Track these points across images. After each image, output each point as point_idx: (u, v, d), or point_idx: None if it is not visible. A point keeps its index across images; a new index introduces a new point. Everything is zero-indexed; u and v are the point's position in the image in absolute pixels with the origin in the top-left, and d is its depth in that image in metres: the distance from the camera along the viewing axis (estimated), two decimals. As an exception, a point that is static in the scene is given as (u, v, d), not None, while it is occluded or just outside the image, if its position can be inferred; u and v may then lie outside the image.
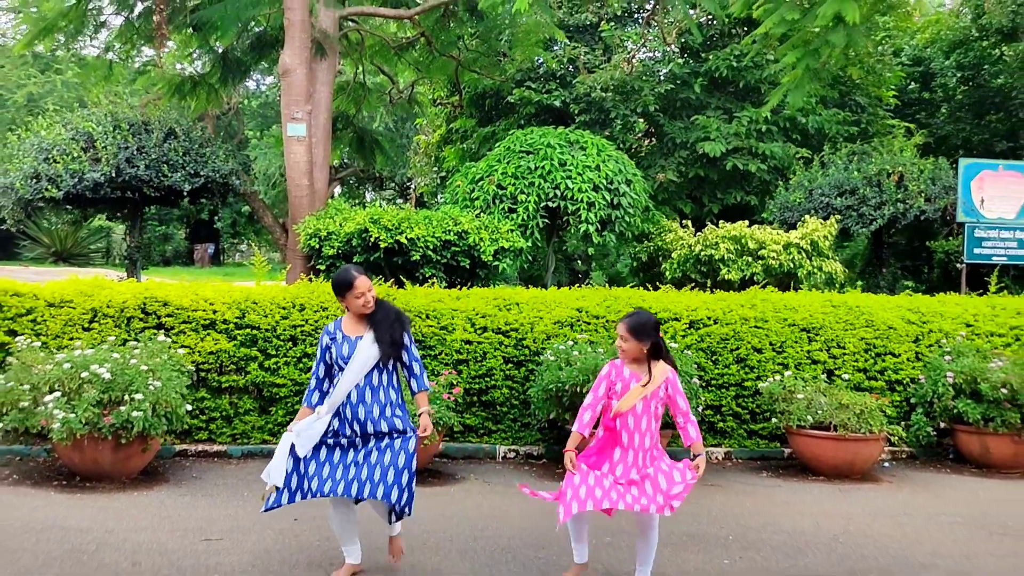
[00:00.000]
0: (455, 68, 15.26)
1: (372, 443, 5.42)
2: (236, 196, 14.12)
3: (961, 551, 6.47)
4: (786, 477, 8.78)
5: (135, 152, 11.65)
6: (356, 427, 5.39)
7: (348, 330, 5.54)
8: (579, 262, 17.86)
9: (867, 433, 8.50)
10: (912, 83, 22.48)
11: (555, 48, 18.53)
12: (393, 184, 41.24)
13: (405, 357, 5.54)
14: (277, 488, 5.37)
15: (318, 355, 5.61)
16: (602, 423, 5.42)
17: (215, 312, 8.78)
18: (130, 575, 5.46)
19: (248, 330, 8.82)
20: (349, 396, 5.39)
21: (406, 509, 5.36)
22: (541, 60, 18.66)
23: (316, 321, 8.89)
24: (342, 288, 5.48)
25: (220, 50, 13.78)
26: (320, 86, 12.08)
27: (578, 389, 7.98)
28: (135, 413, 7.26)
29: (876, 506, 7.74)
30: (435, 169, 21.52)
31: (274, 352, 8.86)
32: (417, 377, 5.55)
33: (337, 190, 42.82)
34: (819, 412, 8.63)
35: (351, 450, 5.43)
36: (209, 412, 8.84)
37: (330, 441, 5.44)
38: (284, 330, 8.86)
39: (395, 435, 5.42)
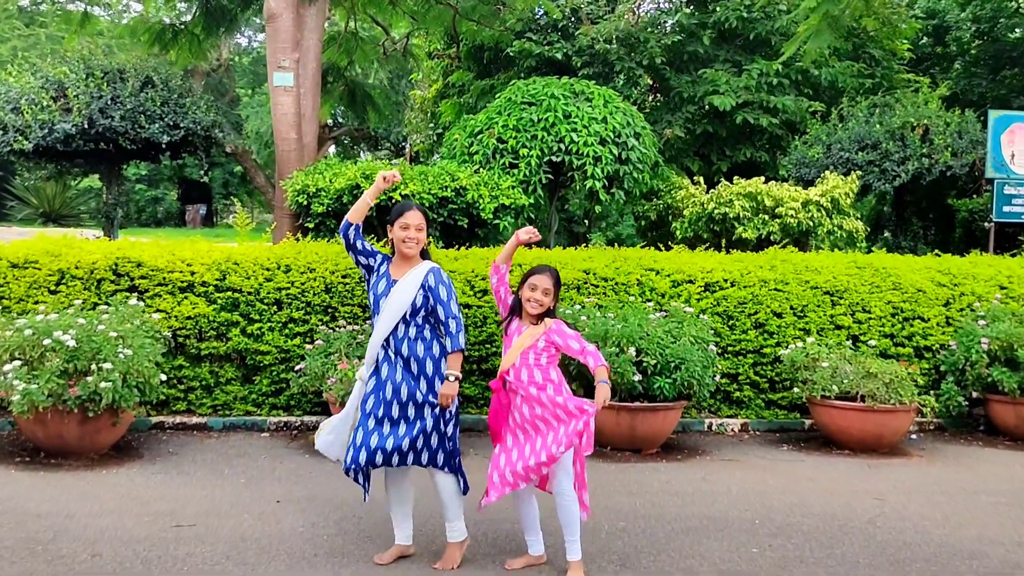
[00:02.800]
0: (452, 17, 14.47)
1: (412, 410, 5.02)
2: (227, 155, 13.44)
3: (1011, 537, 5.86)
4: (809, 451, 8.18)
5: (109, 102, 10.87)
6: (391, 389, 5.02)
7: (393, 270, 5.13)
8: (585, 222, 17.13)
9: (897, 404, 7.90)
10: (924, 37, 21.66)
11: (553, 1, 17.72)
12: (388, 143, 40.42)
13: (441, 312, 5.02)
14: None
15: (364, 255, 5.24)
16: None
17: (193, 274, 8.12)
18: (88, 570, 4.84)
19: (229, 293, 8.17)
20: (386, 347, 5.05)
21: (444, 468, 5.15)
22: (542, 11, 17.87)
23: (303, 284, 8.24)
24: (392, 217, 5.12)
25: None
26: (308, 33, 11.32)
27: (586, 357, 7.41)
28: (103, 384, 6.65)
29: (909, 483, 7.14)
30: (431, 125, 20.73)
31: (257, 317, 8.21)
32: (452, 336, 4.99)
33: (332, 149, 42.02)
34: (844, 381, 8.01)
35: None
36: (188, 381, 8.22)
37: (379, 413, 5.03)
38: (268, 293, 8.20)
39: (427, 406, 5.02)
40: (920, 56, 20.99)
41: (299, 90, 11.02)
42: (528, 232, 5.33)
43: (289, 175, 10.67)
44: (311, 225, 10.32)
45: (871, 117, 13.45)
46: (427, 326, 5.05)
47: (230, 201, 50.93)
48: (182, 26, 13.11)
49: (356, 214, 5.20)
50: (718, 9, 16.60)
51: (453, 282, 8.30)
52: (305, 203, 10.25)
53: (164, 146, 11.28)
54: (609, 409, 7.61)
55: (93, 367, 6.76)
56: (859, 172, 12.05)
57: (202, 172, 39.50)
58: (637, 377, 7.57)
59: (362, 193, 9.87)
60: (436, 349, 5.03)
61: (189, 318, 8.08)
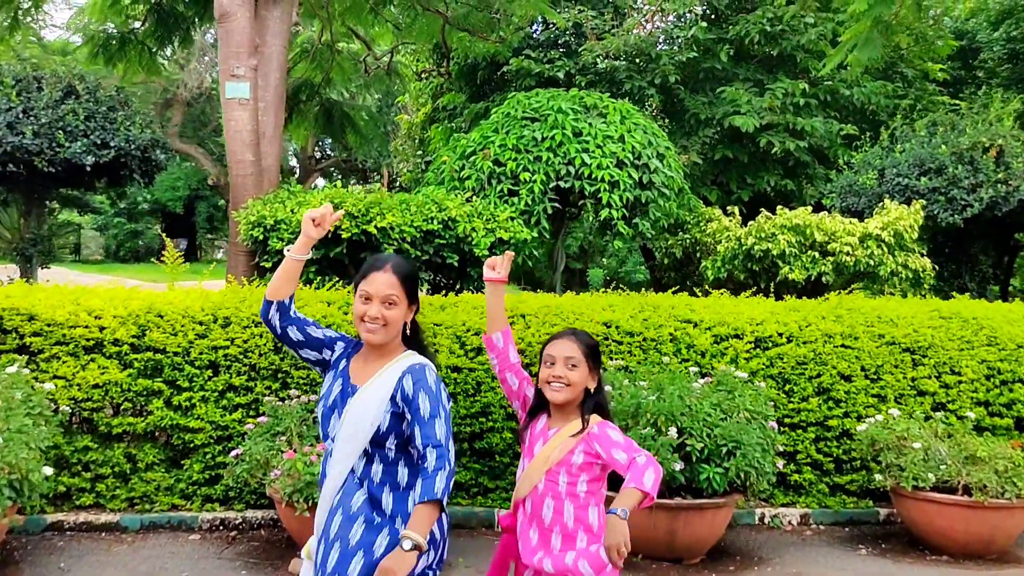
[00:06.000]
0: (442, 27, 12.74)
1: None
2: (211, 188, 11.64)
3: None
4: (895, 555, 6.36)
5: (20, 115, 9.05)
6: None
7: (356, 368, 3.25)
8: (602, 257, 15.35)
9: (1014, 498, 6.08)
10: (949, 60, 20.07)
11: (558, 13, 16.08)
12: (377, 176, 38.82)
13: (417, 436, 3.05)
14: None
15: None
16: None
17: (103, 329, 6.30)
18: None
19: (150, 354, 6.33)
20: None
21: None
22: (539, 28, 16.27)
23: (245, 341, 6.42)
24: (355, 280, 3.29)
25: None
26: (271, 38, 9.59)
27: (612, 439, 5.66)
28: (-45, 486, 4.84)
29: (1048, 614, 5.33)
30: (419, 152, 18.96)
31: (186, 384, 6.38)
32: (426, 476, 2.95)
33: (320, 183, 40.42)
34: (942, 468, 6.21)
35: None
36: (96, 468, 6.37)
37: None
38: (201, 353, 6.38)
39: None
40: (944, 81, 19.40)
41: (258, 104, 9.26)
42: (500, 259, 3.60)
43: (244, 204, 8.90)
44: (268, 264, 8.53)
45: (933, 137, 11.63)
46: (403, 462, 3.17)
47: (215, 235, 49.15)
48: (130, 36, 11.34)
49: (276, 285, 3.28)
50: (738, 23, 14.95)
51: (439, 337, 6.57)
52: (261, 237, 8.46)
53: (90, 168, 9.41)
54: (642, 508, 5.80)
55: (-56, 462, 4.96)
56: (922, 201, 10.26)
57: (136, 191, 36.98)
58: (679, 465, 5.76)
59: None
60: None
61: (97, 387, 6.26)
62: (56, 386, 6.09)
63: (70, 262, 40.29)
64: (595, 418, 3.52)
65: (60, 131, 9.07)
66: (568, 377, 3.47)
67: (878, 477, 6.48)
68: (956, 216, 10.60)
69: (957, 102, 15.22)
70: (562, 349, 3.51)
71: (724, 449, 5.83)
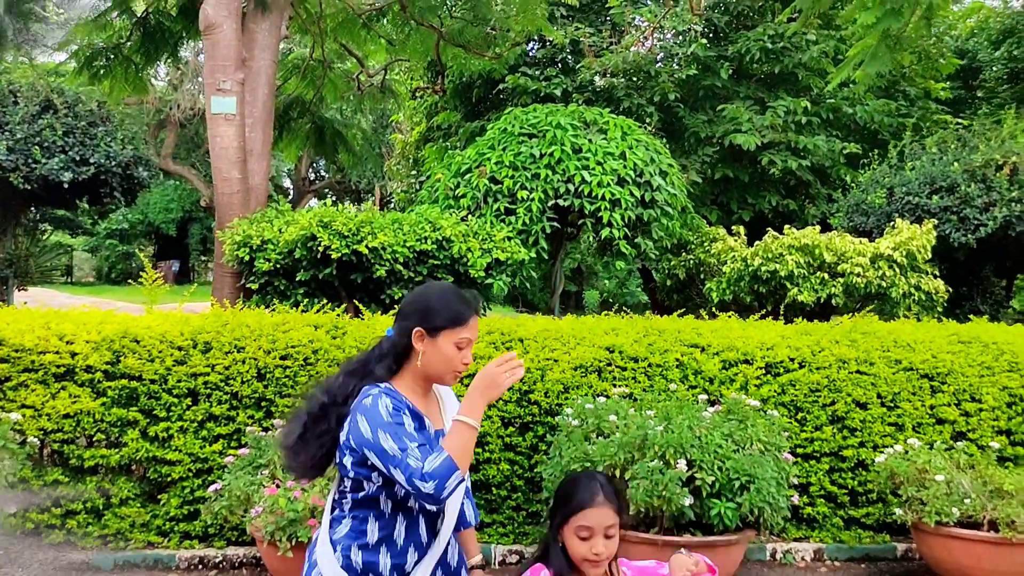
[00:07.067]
0: (436, 43, 12.43)
1: None
2: (204, 210, 11.25)
3: None
4: (917, 596, 5.99)
5: (-7, 130, 8.69)
6: None
7: (419, 407, 2.79)
8: (597, 278, 15.02)
9: (1044, 535, 5.71)
10: (949, 80, 19.87)
11: (555, 29, 15.82)
12: (371, 198, 38.56)
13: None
14: None
15: (407, 434, 2.59)
16: None
17: (74, 355, 5.92)
18: None
19: (124, 381, 5.96)
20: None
21: None
22: (535, 45, 16.03)
23: (227, 368, 6.05)
24: (437, 319, 2.67)
25: (141, 15, 10.90)
26: (259, 52, 9.27)
27: (618, 472, 5.35)
28: (-95, 527, 4.46)
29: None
30: (413, 172, 18.63)
31: (164, 414, 6.01)
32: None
33: (313, 203, 40.11)
34: (966, 501, 5.85)
35: None
36: (66, 503, 5.98)
37: None
38: (179, 381, 6.01)
39: None
40: (947, 99, 19.20)
41: (245, 120, 8.93)
42: None
43: (230, 223, 8.56)
44: (255, 286, 8.19)
45: (943, 155, 11.27)
46: None
47: (208, 258, 48.78)
48: (116, 51, 10.99)
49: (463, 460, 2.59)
50: (738, 41, 14.69)
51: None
52: (247, 258, 8.13)
53: (68, 186, 8.99)
54: (648, 544, 5.45)
55: None
56: (933, 220, 9.90)
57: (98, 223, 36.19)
58: (688, 500, 5.39)
59: (319, 246, 7.80)
60: None
61: (67, 416, 5.88)
62: (23, 416, 5.72)
63: (61, 284, 39.93)
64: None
65: (36, 147, 8.65)
66: (609, 549, 3.02)
67: (898, 512, 6.10)
68: (969, 236, 10.24)
69: (961, 120, 14.94)
70: (600, 519, 2.96)
71: (736, 483, 5.45)
